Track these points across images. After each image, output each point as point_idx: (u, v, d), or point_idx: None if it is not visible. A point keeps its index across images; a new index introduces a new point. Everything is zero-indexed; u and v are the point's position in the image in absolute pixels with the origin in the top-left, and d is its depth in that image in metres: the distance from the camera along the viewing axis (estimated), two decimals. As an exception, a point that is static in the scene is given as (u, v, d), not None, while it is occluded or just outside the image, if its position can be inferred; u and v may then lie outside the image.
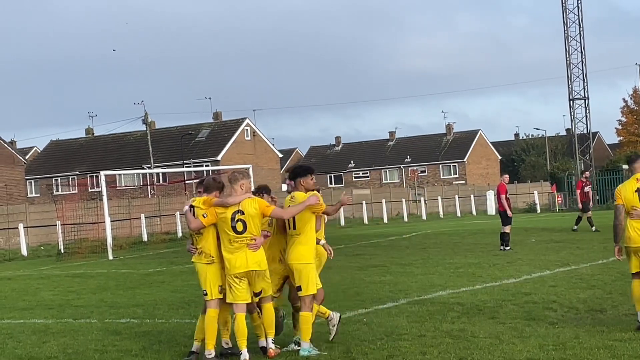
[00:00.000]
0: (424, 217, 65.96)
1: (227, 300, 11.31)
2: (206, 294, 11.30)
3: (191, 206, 11.43)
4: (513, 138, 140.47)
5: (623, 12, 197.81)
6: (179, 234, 48.41)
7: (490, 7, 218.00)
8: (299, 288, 11.59)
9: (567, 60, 76.79)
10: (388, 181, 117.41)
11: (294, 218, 11.50)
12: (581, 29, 76.76)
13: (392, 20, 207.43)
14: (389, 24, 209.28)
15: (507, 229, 27.62)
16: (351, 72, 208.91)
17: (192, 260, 11.56)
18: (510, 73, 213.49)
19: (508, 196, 28.28)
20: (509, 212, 27.76)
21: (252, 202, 11.29)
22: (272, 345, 11.43)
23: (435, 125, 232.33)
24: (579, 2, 76.68)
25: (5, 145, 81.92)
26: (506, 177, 29.90)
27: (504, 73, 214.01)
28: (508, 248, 27.18)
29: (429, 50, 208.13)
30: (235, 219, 11.13)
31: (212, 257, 11.26)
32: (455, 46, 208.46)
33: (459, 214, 69.50)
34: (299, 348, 11.56)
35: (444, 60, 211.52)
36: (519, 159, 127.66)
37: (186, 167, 79.24)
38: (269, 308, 11.47)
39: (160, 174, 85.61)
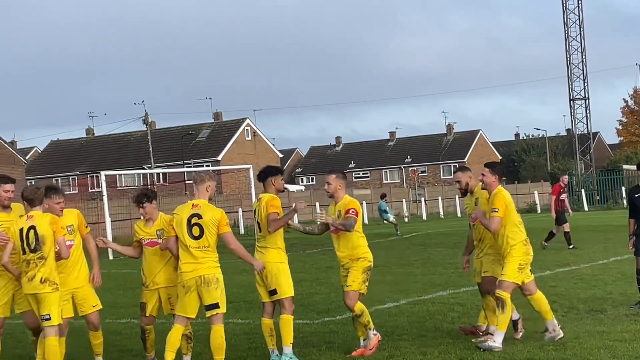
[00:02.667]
0: (425, 217, 65.95)
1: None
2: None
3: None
4: (513, 138, 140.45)
5: (623, 11, 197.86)
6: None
7: (486, 7, 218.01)
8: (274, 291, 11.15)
9: (567, 61, 76.81)
10: (388, 181, 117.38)
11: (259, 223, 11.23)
12: (581, 29, 76.78)
13: (388, 20, 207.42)
14: (386, 24, 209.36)
15: (566, 228, 27.15)
16: (349, 72, 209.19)
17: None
18: (510, 73, 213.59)
19: (563, 197, 27.66)
20: (553, 214, 27.48)
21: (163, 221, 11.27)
22: None
23: (432, 125, 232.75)
24: (580, 2, 76.71)
25: (6, 145, 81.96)
26: (565, 177, 28.97)
27: (503, 73, 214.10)
28: (572, 247, 26.67)
29: (426, 50, 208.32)
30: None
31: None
32: (453, 46, 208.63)
33: (459, 214, 69.45)
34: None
35: (441, 60, 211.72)
36: (519, 159, 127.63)
37: (187, 167, 79.24)
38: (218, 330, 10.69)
39: (161, 174, 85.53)
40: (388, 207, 43.44)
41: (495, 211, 11.52)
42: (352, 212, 11.40)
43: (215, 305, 10.59)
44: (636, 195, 14.39)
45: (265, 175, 11.35)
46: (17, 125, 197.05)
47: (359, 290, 11.40)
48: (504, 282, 11.37)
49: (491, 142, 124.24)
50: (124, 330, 14.50)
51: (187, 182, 75.56)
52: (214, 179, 11.13)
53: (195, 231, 10.60)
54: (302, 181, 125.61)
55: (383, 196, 44.00)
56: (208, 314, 10.64)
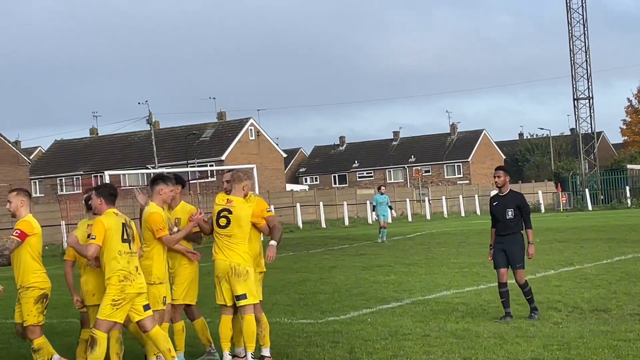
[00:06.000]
0: (428, 217, 65.95)
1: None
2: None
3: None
4: (517, 138, 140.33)
5: (627, 11, 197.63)
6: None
7: (478, 6, 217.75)
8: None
9: (571, 60, 76.67)
10: (392, 181, 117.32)
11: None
12: (585, 28, 76.65)
13: (382, 21, 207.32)
14: (380, 25, 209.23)
15: None
16: (346, 72, 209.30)
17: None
18: (505, 73, 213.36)
19: None
20: None
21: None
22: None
23: (431, 125, 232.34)
24: (584, 1, 76.63)
25: (10, 145, 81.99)
26: None
27: (498, 72, 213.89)
28: None
29: (421, 50, 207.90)
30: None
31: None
32: (447, 46, 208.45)
33: (463, 214, 69.48)
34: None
35: (437, 61, 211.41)
36: (523, 158, 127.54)
37: (190, 167, 79.31)
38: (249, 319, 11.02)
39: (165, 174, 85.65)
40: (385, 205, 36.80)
41: None
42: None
43: (244, 296, 10.89)
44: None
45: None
46: (21, 124, 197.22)
47: None
48: None
49: (495, 142, 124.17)
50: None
51: (191, 182, 75.60)
52: (251, 177, 11.50)
53: (222, 222, 11.02)
54: (306, 181, 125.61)
55: (379, 187, 38.70)
56: (239, 303, 10.92)
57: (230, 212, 11.06)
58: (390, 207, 38.07)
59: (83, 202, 11.64)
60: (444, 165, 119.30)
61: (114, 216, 10.53)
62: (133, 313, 10.40)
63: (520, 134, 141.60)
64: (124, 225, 10.49)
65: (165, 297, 10.94)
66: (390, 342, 12.06)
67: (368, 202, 63.89)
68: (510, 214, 13.79)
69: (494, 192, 14.54)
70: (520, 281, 13.82)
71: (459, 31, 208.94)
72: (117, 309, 10.26)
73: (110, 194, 10.76)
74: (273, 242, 11.34)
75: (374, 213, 37.26)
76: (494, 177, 14.04)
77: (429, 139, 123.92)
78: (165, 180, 11.23)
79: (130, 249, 10.44)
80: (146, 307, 10.48)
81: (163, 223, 10.87)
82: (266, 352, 11.21)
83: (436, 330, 12.86)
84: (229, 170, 12.59)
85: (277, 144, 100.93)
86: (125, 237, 10.44)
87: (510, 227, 13.80)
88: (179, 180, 11.71)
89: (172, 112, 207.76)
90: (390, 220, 35.55)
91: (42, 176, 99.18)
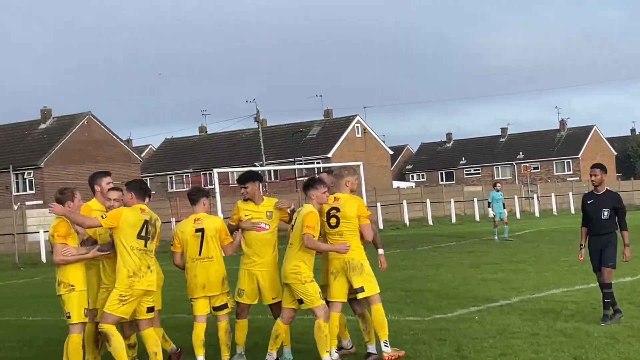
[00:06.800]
0: (537, 214, 65.02)
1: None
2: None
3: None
4: (629, 134, 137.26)
5: None
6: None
7: (590, 0, 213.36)
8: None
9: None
10: (500, 178, 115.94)
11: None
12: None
13: (487, 18, 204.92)
14: (485, 22, 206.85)
15: None
16: (453, 70, 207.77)
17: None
18: (616, 68, 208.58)
19: None
20: None
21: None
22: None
23: (539, 121, 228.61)
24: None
25: (122, 143, 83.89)
26: None
27: (608, 68, 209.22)
28: None
29: (526, 47, 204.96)
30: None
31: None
32: (553, 41, 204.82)
33: (572, 211, 68.24)
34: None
35: (543, 56, 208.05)
36: (635, 154, 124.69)
37: (297, 164, 79.76)
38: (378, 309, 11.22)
39: (272, 171, 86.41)
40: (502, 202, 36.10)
41: None
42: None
43: (361, 289, 11.00)
44: None
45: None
46: (133, 123, 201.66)
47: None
48: None
49: (606, 138, 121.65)
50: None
51: (298, 179, 76.08)
52: (353, 174, 11.45)
53: (333, 221, 11.18)
54: (413, 178, 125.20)
55: (494, 184, 37.47)
56: (359, 296, 11.07)
57: (338, 210, 11.15)
58: (503, 205, 36.80)
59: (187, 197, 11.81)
60: (553, 162, 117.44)
61: (138, 212, 10.58)
62: (136, 310, 10.58)
63: (632, 130, 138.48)
64: (146, 222, 10.55)
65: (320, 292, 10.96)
66: (498, 340, 11.96)
67: (475, 199, 63.36)
68: (605, 214, 13.34)
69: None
70: (606, 280, 13.30)
71: (566, 26, 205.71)
72: (123, 304, 10.38)
73: (140, 188, 10.83)
74: (381, 251, 11.60)
75: (490, 210, 36.09)
76: (590, 175, 13.54)
77: (537, 135, 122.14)
78: (314, 185, 11.17)
79: (145, 246, 10.51)
80: (150, 309, 10.64)
81: (315, 223, 10.86)
82: (372, 348, 11.27)
83: (545, 329, 12.69)
84: (324, 171, 12.63)
85: (384, 141, 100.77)
86: (142, 234, 10.49)
87: (606, 227, 13.36)
88: (257, 177, 11.77)
89: (279, 110, 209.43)
90: (502, 217, 34.72)
91: (153, 174, 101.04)
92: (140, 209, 10.62)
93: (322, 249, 11.03)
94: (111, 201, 11.00)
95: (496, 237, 34.66)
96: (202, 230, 11.22)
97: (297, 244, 10.92)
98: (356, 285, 11.05)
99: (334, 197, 11.27)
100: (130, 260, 10.41)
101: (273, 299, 11.52)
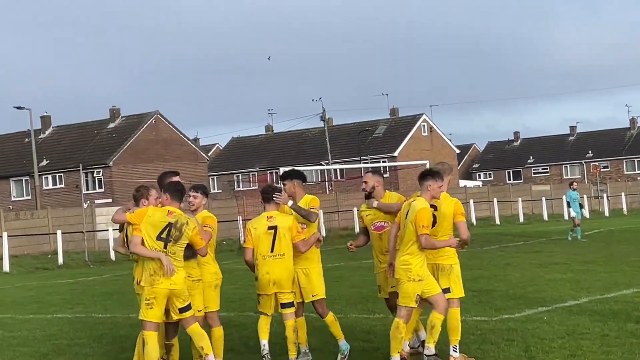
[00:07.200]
0: (607, 213, 64.14)
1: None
2: None
3: None
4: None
5: None
6: (356, 230, 48.78)
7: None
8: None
9: None
10: (569, 177, 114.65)
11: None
12: None
13: (553, 15, 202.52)
14: (551, 19, 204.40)
15: None
16: (519, 69, 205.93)
17: None
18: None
19: None
20: None
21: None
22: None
23: (609, 120, 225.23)
24: None
25: (189, 142, 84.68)
26: None
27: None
28: None
29: (598, 43, 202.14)
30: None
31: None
32: (623, 39, 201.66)
33: (644, 211, 67.24)
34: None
35: (616, 53, 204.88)
36: None
37: (363, 163, 79.74)
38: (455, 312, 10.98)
39: (338, 170, 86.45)
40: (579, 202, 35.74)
41: None
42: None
43: (447, 290, 10.91)
44: None
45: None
46: (200, 122, 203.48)
47: None
48: None
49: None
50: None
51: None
52: (436, 179, 10.94)
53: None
54: (479, 177, 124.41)
55: (571, 183, 36.58)
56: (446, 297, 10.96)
57: (435, 209, 11.00)
58: (580, 205, 36.42)
59: (260, 194, 11.90)
60: (623, 161, 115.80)
61: (164, 213, 10.45)
62: (170, 311, 10.52)
63: None
64: (169, 225, 10.37)
65: (418, 295, 10.66)
66: (567, 341, 11.80)
67: (543, 198, 62.69)
68: None
69: None
70: None
71: (635, 23, 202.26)
72: (150, 307, 10.28)
73: (176, 189, 10.71)
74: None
75: (571, 210, 34.88)
76: None
77: (607, 134, 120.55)
78: (434, 176, 10.96)
79: (165, 248, 10.32)
80: (182, 310, 10.48)
81: (429, 221, 10.64)
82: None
83: (615, 330, 12.49)
84: (369, 171, 12.50)
85: (450, 140, 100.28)
86: (163, 235, 10.33)
87: None
88: (296, 175, 11.84)
89: (345, 109, 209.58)
90: (580, 217, 34.09)
91: (220, 172, 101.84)
92: (169, 210, 10.49)
93: (438, 246, 10.87)
94: (191, 198, 11.26)
95: (571, 237, 34.01)
96: (274, 228, 11.27)
97: (409, 237, 10.67)
98: (443, 286, 10.89)
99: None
100: (150, 260, 10.36)
101: (313, 296, 11.53)
